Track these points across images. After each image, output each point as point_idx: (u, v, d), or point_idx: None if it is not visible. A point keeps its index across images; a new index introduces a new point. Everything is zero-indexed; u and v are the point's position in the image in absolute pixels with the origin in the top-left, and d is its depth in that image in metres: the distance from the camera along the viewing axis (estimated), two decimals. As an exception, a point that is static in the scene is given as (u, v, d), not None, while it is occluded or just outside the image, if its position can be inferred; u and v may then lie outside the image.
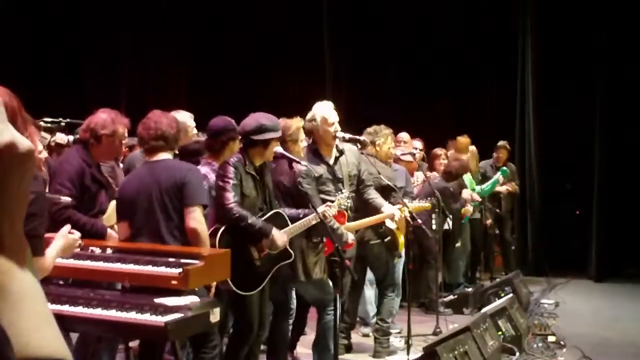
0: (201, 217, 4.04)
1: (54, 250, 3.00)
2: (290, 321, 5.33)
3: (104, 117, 4.34)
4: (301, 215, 4.76)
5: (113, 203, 4.50)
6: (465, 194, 8.16)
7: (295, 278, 4.89)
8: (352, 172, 5.43)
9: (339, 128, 5.35)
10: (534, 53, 10.56)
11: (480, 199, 8.59)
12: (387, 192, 5.94)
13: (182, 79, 11.77)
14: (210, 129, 4.94)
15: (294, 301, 5.42)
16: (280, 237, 4.50)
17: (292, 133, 5.05)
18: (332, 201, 5.04)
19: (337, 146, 5.40)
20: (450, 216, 8.08)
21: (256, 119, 4.60)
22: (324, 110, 5.33)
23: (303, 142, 5.23)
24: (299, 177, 4.88)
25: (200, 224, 4.03)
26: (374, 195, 5.64)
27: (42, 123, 5.57)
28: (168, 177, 4.08)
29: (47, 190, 4.47)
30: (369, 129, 6.40)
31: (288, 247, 4.62)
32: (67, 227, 3.16)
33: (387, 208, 5.63)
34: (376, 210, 5.63)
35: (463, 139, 9.01)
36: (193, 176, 4.12)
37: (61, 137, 5.25)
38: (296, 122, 5.14)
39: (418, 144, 8.54)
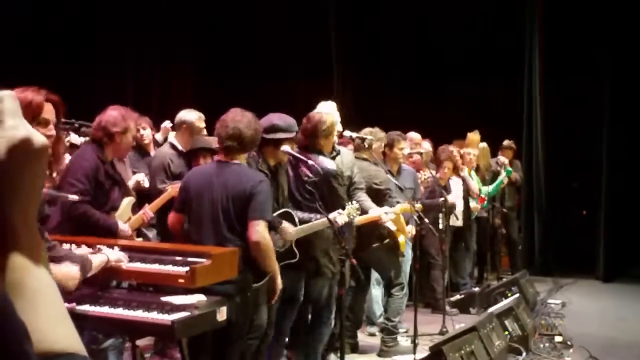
0: (264, 231, 4.01)
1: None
2: None
3: (114, 115, 4.33)
4: (313, 220, 4.81)
5: (126, 200, 4.49)
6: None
7: (317, 273, 4.94)
8: (345, 173, 5.42)
9: (340, 128, 5.39)
10: (540, 52, 10.53)
11: (479, 194, 8.55)
12: (380, 195, 5.92)
13: (187, 79, 11.76)
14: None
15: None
16: (290, 229, 4.53)
17: (326, 128, 5.07)
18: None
19: (334, 146, 5.41)
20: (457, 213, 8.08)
21: (269, 118, 4.66)
22: (328, 110, 5.35)
23: (335, 139, 5.26)
24: (329, 176, 4.95)
25: (263, 237, 4.00)
26: (363, 198, 5.59)
27: None
28: (237, 184, 4.03)
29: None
30: (365, 130, 6.35)
31: (294, 247, 4.64)
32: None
33: (374, 211, 5.60)
34: (364, 212, 5.63)
35: (473, 135, 8.95)
36: (263, 188, 4.05)
37: (75, 138, 5.26)
38: (331, 117, 5.16)
39: (427, 144, 8.52)
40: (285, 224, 4.58)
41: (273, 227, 4.48)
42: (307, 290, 5.13)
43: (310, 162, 4.95)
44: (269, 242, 4.04)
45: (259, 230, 3.98)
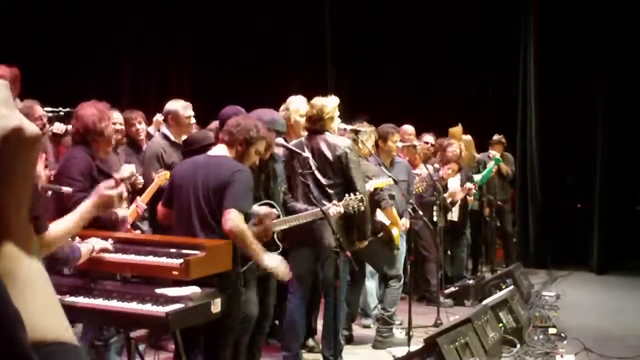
0: (236, 217, 3.90)
1: (67, 222, 2.99)
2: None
3: (93, 112, 4.24)
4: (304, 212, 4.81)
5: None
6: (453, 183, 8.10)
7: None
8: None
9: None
10: (535, 48, 10.53)
11: (473, 186, 8.56)
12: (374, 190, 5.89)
13: (184, 78, 11.71)
14: (221, 118, 4.76)
15: None
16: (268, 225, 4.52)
17: (329, 111, 5.13)
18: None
19: None
20: (453, 208, 8.09)
21: (271, 114, 4.78)
22: (298, 103, 5.46)
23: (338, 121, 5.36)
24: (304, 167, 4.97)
25: (236, 225, 3.88)
26: None
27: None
28: (216, 175, 4.02)
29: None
30: (351, 126, 6.32)
31: (276, 239, 4.62)
32: (107, 182, 3.22)
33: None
34: None
35: (455, 129, 9.01)
36: (238, 178, 3.99)
37: (58, 127, 5.22)
38: (333, 102, 5.22)
39: (430, 138, 8.50)
40: (269, 210, 4.50)
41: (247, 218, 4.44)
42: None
43: (304, 154, 4.96)
44: (243, 229, 3.93)
45: (229, 219, 3.88)
